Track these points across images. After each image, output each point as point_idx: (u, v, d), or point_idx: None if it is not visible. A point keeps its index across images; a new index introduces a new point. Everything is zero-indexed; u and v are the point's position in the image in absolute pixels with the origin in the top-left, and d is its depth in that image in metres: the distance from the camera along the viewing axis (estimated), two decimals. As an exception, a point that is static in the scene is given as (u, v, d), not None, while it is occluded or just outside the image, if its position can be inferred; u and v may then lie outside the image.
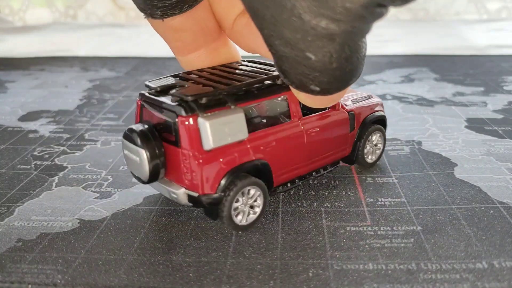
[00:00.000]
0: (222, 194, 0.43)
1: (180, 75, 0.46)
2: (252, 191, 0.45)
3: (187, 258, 0.41)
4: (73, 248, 0.43)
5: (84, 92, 0.93)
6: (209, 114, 0.41)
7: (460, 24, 1.49)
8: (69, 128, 0.73)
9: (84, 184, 0.55)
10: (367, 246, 0.42)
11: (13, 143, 0.68)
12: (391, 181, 0.54)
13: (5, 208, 0.50)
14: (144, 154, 0.43)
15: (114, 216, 0.48)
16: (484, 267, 0.39)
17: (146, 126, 0.44)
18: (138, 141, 0.43)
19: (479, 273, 0.38)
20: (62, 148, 0.66)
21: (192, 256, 0.42)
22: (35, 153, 0.64)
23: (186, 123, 0.41)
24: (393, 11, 1.62)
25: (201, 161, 0.41)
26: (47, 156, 0.63)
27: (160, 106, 0.43)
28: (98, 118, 0.78)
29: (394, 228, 0.45)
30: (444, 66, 1.04)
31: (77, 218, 0.48)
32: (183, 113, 0.41)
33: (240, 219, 0.44)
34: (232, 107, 0.42)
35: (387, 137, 0.66)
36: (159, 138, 0.43)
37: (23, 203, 0.51)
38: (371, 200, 0.50)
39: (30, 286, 0.38)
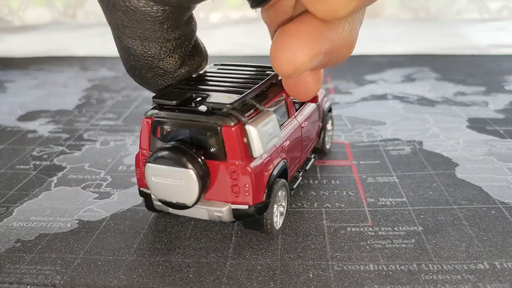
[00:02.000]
0: (268, 201, 0.41)
1: (178, 86, 0.42)
2: (280, 193, 0.44)
3: (186, 259, 0.41)
4: (72, 248, 0.43)
5: (83, 92, 0.93)
6: (250, 120, 0.39)
7: (461, 23, 1.49)
8: (68, 128, 0.73)
9: (83, 185, 0.54)
10: (368, 247, 0.42)
11: (12, 143, 0.67)
12: (392, 181, 0.54)
13: (4, 208, 0.50)
14: (192, 174, 0.38)
15: (113, 217, 0.48)
16: (485, 267, 0.39)
17: (181, 145, 0.39)
18: (184, 161, 0.38)
19: (480, 273, 0.38)
20: (61, 148, 0.65)
21: (191, 257, 0.41)
22: (34, 153, 0.64)
23: (233, 132, 0.38)
24: (393, 11, 1.62)
25: (250, 170, 0.39)
26: (46, 156, 0.63)
27: (190, 120, 0.40)
28: (97, 118, 0.77)
29: (395, 228, 0.45)
30: (445, 66, 1.04)
31: (76, 219, 0.47)
32: (229, 122, 0.38)
33: (277, 224, 0.44)
34: (261, 109, 0.41)
35: (388, 137, 0.66)
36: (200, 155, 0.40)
37: (22, 204, 0.51)
38: (372, 200, 0.50)
39: (29, 286, 0.38)
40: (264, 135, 0.39)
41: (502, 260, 0.39)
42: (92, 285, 0.38)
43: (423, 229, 0.44)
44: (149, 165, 0.40)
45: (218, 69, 0.49)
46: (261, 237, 0.44)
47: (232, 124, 0.38)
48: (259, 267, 0.40)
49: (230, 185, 0.40)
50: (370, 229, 0.45)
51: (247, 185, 0.39)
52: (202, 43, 0.44)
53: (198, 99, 0.40)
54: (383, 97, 0.84)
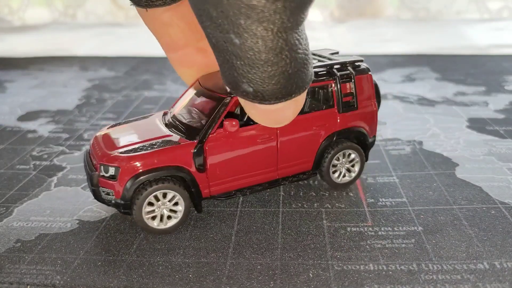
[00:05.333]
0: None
1: None
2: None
3: (186, 259, 0.41)
4: (72, 249, 0.43)
5: (83, 92, 0.93)
6: None
7: (461, 23, 1.49)
8: (68, 128, 0.73)
9: (83, 185, 0.54)
10: (368, 247, 0.42)
11: (12, 143, 0.67)
12: (392, 181, 0.54)
13: (4, 208, 0.50)
14: None
15: (113, 217, 0.48)
16: (485, 267, 0.39)
17: None
18: None
19: (480, 273, 0.38)
20: (61, 148, 0.65)
21: (191, 257, 0.41)
22: (34, 153, 0.64)
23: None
24: (393, 11, 1.62)
25: None
26: (46, 156, 0.63)
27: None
28: (97, 118, 0.77)
29: (395, 228, 0.45)
30: (445, 66, 1.04)
31: (76, 219, 0.47)
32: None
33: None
34: None
35: (388, 136, 0.66)
36: None
37: (22, 204, 0.51)
38: (372, 200, 0.50)
39: (29, 286, 0.38)
40: None
41: (502, 260, 0.39)
42: (92, 285, 0.38)
43: (423, 229, 0.44)
44: None
45: None
46: (261, 237, 0.44)
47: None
48: (259, 267, 0.40)
49: None
50: (370, 229, 0.45)
51: None
52: None
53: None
54: (383, 97, 0.84)
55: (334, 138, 0.50)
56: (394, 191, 0.51)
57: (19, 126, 0.75)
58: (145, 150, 0.44)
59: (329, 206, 0.49)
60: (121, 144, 0.46)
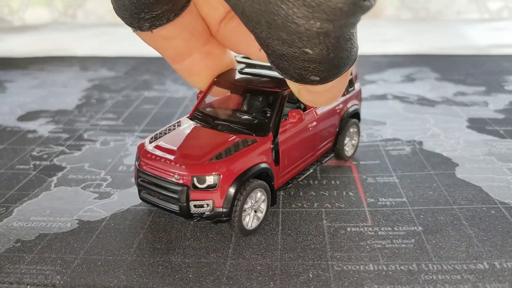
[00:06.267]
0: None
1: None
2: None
3: (186, 259, 0.41)
4: (72, 248, 0.43)
5: (83, 92, 0.93)
6: None
7: (461, 23, 1.49)
8: (68, 128, 0.73)
9: (83, 185, 0.54)
10: (367, 247, 0.42)
11: (12, 143, 0.67)
12: (392, 181, 0.54)
13: (4, 208, 0.50)
14: None
15: (113, 217, 0.48)
16: (485, 267, 0.39)
17: None
18: None
19: (480, 273, 0.38)
20: (61, 148, 0.65)
21: (191, 257, 0.41)
22: (34, 153, 0.64)
23: None
24: (393, 11, 1.62)
25: None
26: (46, 156, 0.63)
27: None
28: (97, 118, 0.77)
29: (395, 228, 0.45)
30: (445, 66, 1.04)
31: (76, 219, 0.47)
32: None
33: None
34: None
35: (388, 137, 0.66)
36: None
37: (21, 204, 0.51)
38: (372, 200, 0.50)
39: (28, 286, 0.38)
40: None
41: (501, 260, 0.39)
42: (92, 285, 0.38)
43: (423, 229, 0.44)
44: None
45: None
46: (261, 237, 0.44)
47: None
48: (258, 267, 0.40)
49: None
50: (370, 229, 0.45)
51: None
52: None
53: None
54: (383, 97, 0.84)
55: (346, 119, 0.57)
56: (394, 191, 0.51)
57: (19, 126, 0.75)
58: (231, 153, 0.43)
59: (329, 206, 0.49)
60: (197, 153, 0.44)
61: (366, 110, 0.77)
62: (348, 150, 0.59)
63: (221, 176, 0.41)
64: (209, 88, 0.49)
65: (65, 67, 1.12)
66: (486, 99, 0.81)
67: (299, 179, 0.51)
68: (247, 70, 0.50)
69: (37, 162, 0.61)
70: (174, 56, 0.41)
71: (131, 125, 0.73)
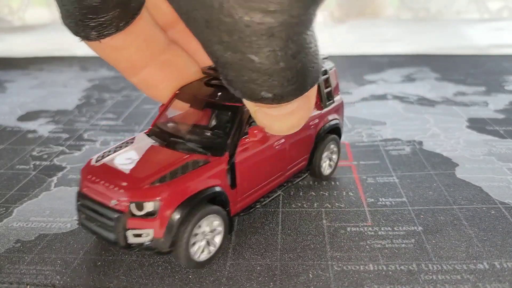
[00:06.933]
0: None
1: None
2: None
3: (186, 259, 0.41)
4: (72, 249, 0.43)
5: (83, 92, 0.93)
6: None
7: (461, 23, 1.48)
8: (68, 128, 0.73)
9: (83, 185, 0.54)
10: (367, 247, 0.42)
11: (12, 143, 0.67)
12: (392, 181, 0.54)
13: (4, 208, 0.50)
14: None
15: (113, 217, 0.48)
16: (485, 267, 0.39)
17: None
18: None
19: (480, 273, 0.38)
20: (61, 148, 0.65)
21: (191, 257, 0.41)
22: (34, 153, 0.64)
23: None
24: (393, 11, 1.62)
25: None
26: (46, 156, 0.63)
27: None
28: (97, 118, 0.77)
29: (395, 228, 0.45)
30: (445, 66, 1.04)
31: (76, 219, 0.47)
32: None
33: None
34: None
35: (388, 137, 0.66)
36: None
37: (21, 204, 0.51)
38: (372, 200, 0.50)
39: (28, 287, 0.38)
40: None
41: (501, 260, 0.39)
42: (92, 285, 0.38)
43: (423, 229, 0.44)
44: None
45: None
46: (261, 238, 0.44)
47: None
48: (258, 268, 0.40)
49: None
50: (370, 229, 0.45)
51: None
52: None
53: None
54: (383, 97, 0.84)
55: (322, 134, 0.52)
56: (394, 191, 0.51)
57: (19, 126, 0.75)
58: (177, 175, 0.38)
59: (328, 206, 0.49)
60: (139, 175, 0.39)
61: (366, 110, 0.77)
62: (326, 168, 0.54)
63: (162, 202, 0.37)
64: (170, 101, 0.45)
65: (65, 67, 1.12)
66: (486, 99, 0.81)
67: (263, 203, 0.46)
68: (213, 82, 0.44)
69: (37, 162, 0.61)
70: (129, 68, 0.38)
71: (131, 125, 0.74)
